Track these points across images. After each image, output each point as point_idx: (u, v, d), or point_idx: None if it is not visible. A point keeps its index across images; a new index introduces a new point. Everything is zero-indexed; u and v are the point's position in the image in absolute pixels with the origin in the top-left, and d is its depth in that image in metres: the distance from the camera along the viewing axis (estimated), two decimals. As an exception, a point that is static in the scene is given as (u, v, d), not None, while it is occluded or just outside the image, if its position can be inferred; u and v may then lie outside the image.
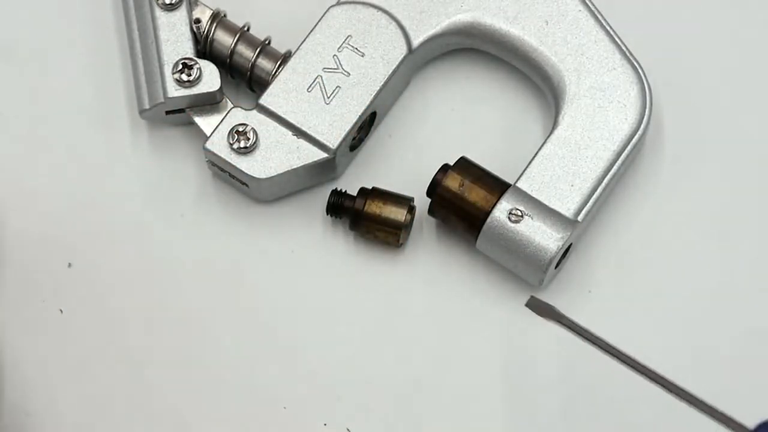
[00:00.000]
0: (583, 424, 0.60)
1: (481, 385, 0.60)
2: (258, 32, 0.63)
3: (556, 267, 0.60)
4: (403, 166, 0.64)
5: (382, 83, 0.62)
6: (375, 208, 0.61)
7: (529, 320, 0.61)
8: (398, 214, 0.61)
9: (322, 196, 0.63)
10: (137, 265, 0.62)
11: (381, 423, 0.60)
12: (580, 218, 0.59)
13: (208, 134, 0.61)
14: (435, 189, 0.60)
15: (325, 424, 0.60)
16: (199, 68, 0.61)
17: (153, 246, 0.63)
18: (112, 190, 0.63)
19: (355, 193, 0.61)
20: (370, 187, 0.62)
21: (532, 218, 0.58)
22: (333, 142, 0.61)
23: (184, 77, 0.61)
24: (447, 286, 0.62)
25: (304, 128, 0.61)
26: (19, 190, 0.64)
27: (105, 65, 0.65)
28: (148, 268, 0.62)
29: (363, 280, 0.62)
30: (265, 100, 0.61)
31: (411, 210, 0.61)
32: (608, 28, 0.63)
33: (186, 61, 0.61)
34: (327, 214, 0.62)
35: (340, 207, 0.62)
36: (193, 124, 0.62)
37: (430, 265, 0.62)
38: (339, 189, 0.62)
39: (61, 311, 0.62)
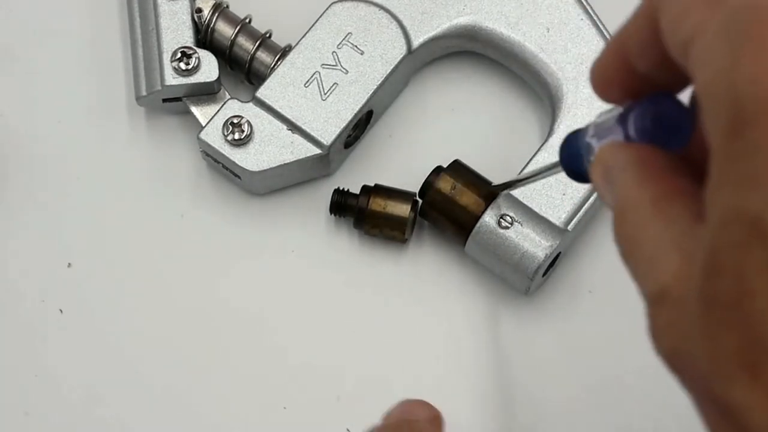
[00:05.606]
0: (582, 423, 0.60)
1: (482, 384, 0.60)
2: (259, 25, 0.63)
3: (543, 275, 0.59)
4: (399, 165, 0.63)
5: (379, 82, 0.61)
6: (379, 205, 0.61)
7: (531, 318, 0.61)
8: (402, 209, 0.61)
9: (321, 190, 0.63)
10: (136, 263, 0.62)
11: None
12: (570, 227, 0.59)
13: (204, 124, 0.61)
14: (427, 190, 0.60)
15: (325, 424, 0.60)
16: (198, 57, 0.61)
17: (152, 242, 0.62)
18: (109, 183, 0.63)
19: (356, 191, 0.61)
20: (372, 185, 0.62)
21: (521, 225, 0.58)
22: (327, 138, 0.60)
23: (183, 66, 0.61)
24: (452, 284, 0.62)
25: (299, 123, 0.61)
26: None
27: (106, 51, 0.65)
28: (148, 265, 0.62)
29: (366, 278, 0.62)
30: (262, 93, 0.61)
31: (414, 205, 0.61)
32: (610, 37, 0.62)
33: (185, 49, 0.61)
34: (330, 213, 0.62)
35: (344, 206, 0.61)
36: (190, 113, 0.62)
37: (433, 262, 0.62)
38: (341, 188, 0.62)
39: (61, 311, 0.61)
